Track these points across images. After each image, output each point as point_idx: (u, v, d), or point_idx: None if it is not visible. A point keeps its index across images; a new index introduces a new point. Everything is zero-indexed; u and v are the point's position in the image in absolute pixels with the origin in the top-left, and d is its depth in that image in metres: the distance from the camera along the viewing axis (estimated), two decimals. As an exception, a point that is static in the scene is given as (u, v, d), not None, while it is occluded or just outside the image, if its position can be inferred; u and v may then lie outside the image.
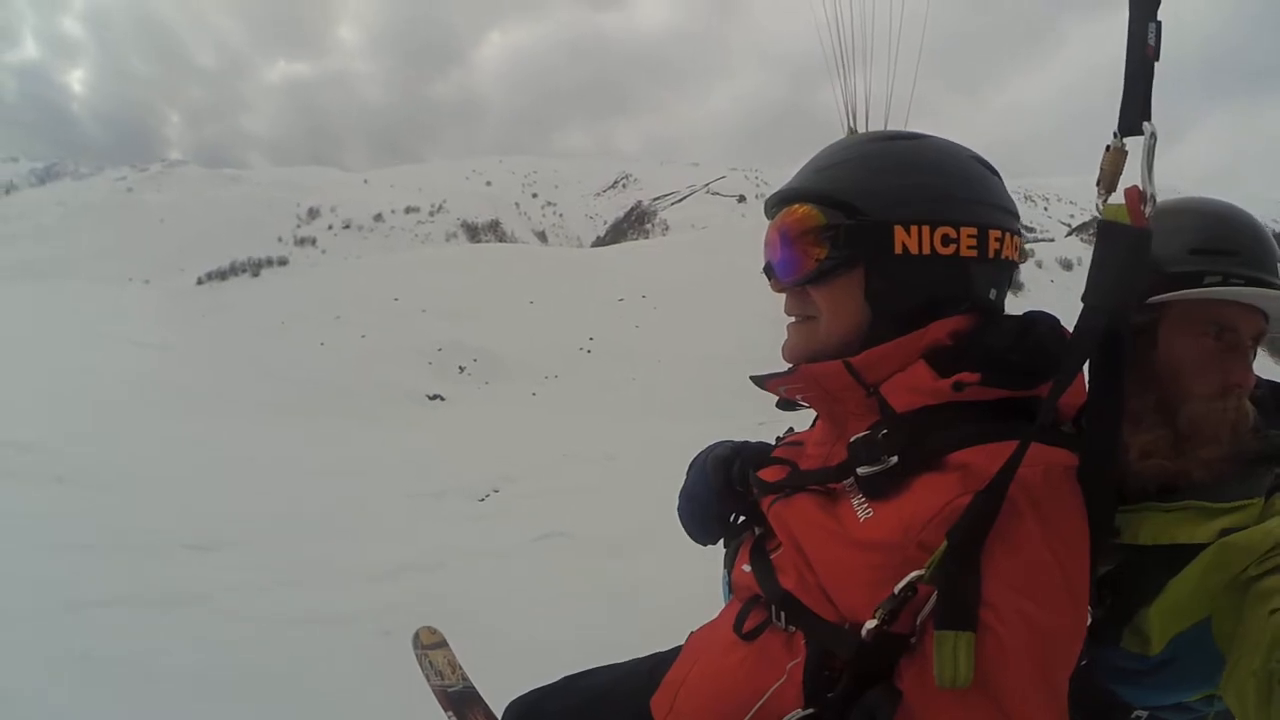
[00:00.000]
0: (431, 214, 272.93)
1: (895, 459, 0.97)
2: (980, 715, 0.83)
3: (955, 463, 0.93)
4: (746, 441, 1.42)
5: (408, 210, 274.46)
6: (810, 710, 0.96)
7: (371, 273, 59.29)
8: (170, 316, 44.28)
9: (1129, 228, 0.93)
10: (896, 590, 0.88)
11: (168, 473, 8.78)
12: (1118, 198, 0.96)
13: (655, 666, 1.34)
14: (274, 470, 10.24)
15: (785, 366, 1.16)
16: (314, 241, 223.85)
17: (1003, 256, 1.07)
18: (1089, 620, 0.91)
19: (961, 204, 1.05)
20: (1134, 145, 0.94)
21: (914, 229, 1.03)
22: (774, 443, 1.40)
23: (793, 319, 1.18)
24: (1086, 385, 0.99)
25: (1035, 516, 0.87)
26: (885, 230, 1.03)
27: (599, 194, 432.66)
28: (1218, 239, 1.21)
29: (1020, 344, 1.01)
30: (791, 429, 1.42)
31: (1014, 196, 1.11)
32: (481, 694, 2.23)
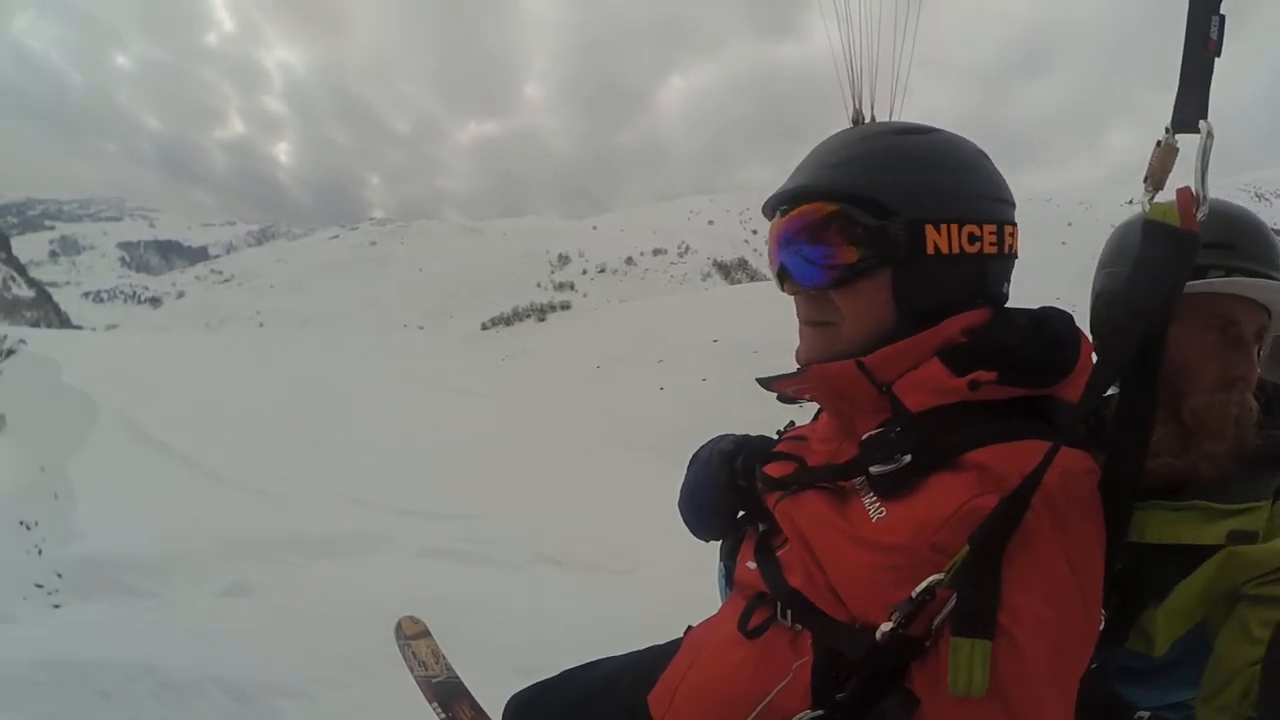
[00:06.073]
0: (681, 255, 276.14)
1: (909, 458, 0.97)
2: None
3: (971, 462, 0.94)
4: (748, 435, 1.42)
5: (655, 252, 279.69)
6: (820, 711, 0.97)
7: (667, 314, 56.28)
8: (475, 363, 44.86)
9: (1177, 229, 0.94)
10: (914, 594, 0.89)
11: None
12: (1165, 196, 0.97)
13: (653, 661, 1.34)
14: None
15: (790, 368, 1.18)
16: (572, 286, 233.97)
17: (1014, 251, 1.10)
18: (1101, 624, 0.94)
19: (983, 201, 1.07)
20: (1185, 143, 0.96)
21: (944, 228, 1.03)
22: (776, 437, 1.38)
23: (805, 322, 1.16)
24: (1091, 386, 0.97)
25: (1052, 521, 0.88)
26: (918, 230, 1.03)
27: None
28: (1220, 234, 1.21)
29: (1035, 341, 1.03)
30: (793, 422, 1.40)
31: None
32: (467, 685, 2.28)
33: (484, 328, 71.27)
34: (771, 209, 1.18)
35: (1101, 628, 0.95)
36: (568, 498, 11.56)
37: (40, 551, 7.27)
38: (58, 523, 8.03)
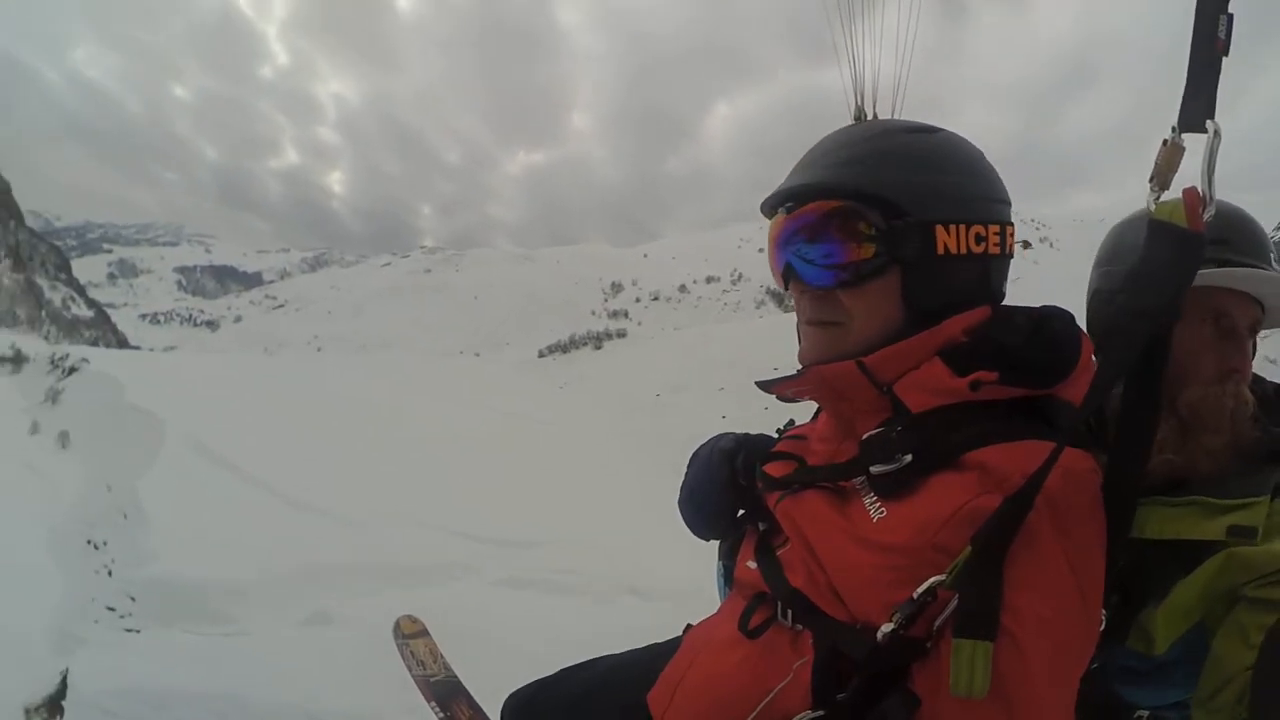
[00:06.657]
0: (734, 282, 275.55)
1: (909, 458, 0.98)
2: None
3: (973, 462, 0.95)
4: (748, 434, 1.43)
5: (709, 280, 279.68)
6: (820, 712, 0.98)
7: (725, 341, 56.16)
8: (534, 390, 44.58)
9: (1183, 230, 0.94)
10: (916, 595, 0.89)
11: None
12: (1171, 196, 0.97)
13: (653, 659, 1.33)
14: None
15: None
16: (626, 314, 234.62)
17: (1013, 251, 1.12)
18: (1102, 624, 0.94)
19: (987, 202, 1.09)
20: (1192, 143, 0.96)
21: (954, 228, 1.04)
22: (775, 435, 1.39)
23: (809, 323, 1.15)
24: (1094, 386, 0.96)
25: (1053, 521, 0.89)
26: (929, 231, 1.04)
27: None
28: (1213, 229, 1.18)
29: (1036, 341, 1.03)
30: (792, 421, 1.41)
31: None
32: (465, 684, 2.27)
33: (540, 355, 71.71)
34: (773, 206, 1.16)
35: (1102, 627, 0.94)
36: (637, 526, 11.03)
37: (110, 573, 7.05)
38: (127, 543, 7.79)
